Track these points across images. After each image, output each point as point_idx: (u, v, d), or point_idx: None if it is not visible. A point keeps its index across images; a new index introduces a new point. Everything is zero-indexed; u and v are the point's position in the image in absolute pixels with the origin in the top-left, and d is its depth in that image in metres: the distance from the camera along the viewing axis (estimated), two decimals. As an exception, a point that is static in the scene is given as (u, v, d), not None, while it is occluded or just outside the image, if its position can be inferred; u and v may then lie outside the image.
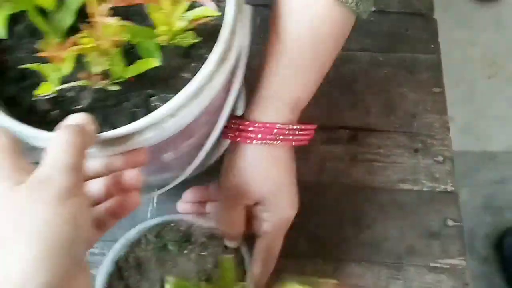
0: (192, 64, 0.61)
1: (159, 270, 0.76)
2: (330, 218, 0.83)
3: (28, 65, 0.55)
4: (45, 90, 0.55)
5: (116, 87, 0.55)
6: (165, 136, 0.55)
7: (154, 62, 0.56)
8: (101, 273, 0.73)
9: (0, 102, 0.58)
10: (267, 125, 0.62)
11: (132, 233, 0.75)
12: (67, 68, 0.54)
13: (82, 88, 0.57)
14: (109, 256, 0.73)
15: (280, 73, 0.63)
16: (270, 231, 0.67)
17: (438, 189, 0.84)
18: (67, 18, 0.59)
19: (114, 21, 0.47)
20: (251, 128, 0.63)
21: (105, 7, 0.48)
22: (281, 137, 0.62)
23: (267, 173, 0.64)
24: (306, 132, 0.66)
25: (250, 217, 0.69)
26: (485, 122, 2.04)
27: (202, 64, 0.60)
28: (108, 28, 0.49)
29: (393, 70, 0.95)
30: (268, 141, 0.62)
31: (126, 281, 0.75)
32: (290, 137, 0.63)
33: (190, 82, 0.55)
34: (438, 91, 0.93)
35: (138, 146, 0.54)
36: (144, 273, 0.77)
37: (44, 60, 0.60)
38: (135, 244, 0.75)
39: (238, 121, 0.65)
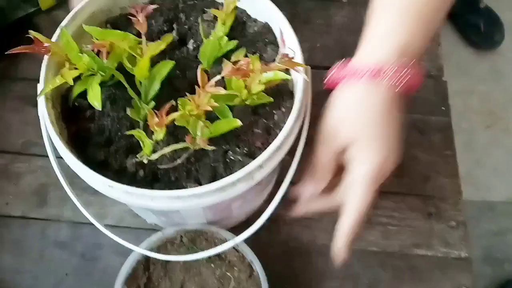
0: (263, 120, 0.76)
1: (183, 274, 0.86)
2: (344, 283, 0.88)
3: (132, 131, 0.68)
4: (146, 152, 0.68)
5: (213, 147, 0.69)
6: (252, 185, 0.66)
7: (236, 122, 0.70)
8: (131, 258, 0.82)
9: (93, 166, 0.70)
10: (372, 64, 0.64)
11: (170, 231, 0.84)
12: (162, 133, 0.67)
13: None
14: (143, 244, 0.81)
15: (388, 16, 0.67)
16: (361, 181, 0.63)
17: (452, 255, 0.91)
18: (155, 86, 0.73)
19: (222, 90, 0.61)
20: (356, 68, 0.65)
21: (217, 78, 0.61)
22: (386, 78, 0.62)
23: (366, 114, 0.64)
24: (411, 76, 0.64)
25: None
26: (484, 172, 2.12)
27: (272, 120, 0.76)
28: (213, 96, 0.62)
29: (405, 131, 1.09)
30: (372, 81, 0.63)
31: (150, 273, 0.86)
32: (396, 79, 0.63)
33: (277, 137, 0.68)
34: (449, 153, 1.00)
35: (232, 196, 0.67)
36: (169, 272, 0.87)
37: (131, 126, 0.74)
38: (169, 240, 0.84)
39: (343, 64, 0.68)
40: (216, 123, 0.70)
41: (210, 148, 0.67)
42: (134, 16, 0.67)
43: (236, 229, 0.81)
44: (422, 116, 1.05)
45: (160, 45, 0.68)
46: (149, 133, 0.73)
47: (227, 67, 0.57)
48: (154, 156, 0.65)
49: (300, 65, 0.64)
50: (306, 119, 0.75)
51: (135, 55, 0.68)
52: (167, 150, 0.66)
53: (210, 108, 0.64)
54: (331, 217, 0.70)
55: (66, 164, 0.69)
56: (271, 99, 0.73)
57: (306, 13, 1.19)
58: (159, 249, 0.85)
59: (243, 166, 0.72)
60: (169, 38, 0.70)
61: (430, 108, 1.06)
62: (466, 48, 2.50)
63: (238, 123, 0.70)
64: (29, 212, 0.97)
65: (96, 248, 0.92)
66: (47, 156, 0.73)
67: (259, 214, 0.74)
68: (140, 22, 0.66)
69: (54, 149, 0.70)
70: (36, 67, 0.72)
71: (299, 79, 0.72)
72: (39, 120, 0.73)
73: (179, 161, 0.70)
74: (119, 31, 0.74)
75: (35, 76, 0.71)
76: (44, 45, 0.59)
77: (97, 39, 0.72)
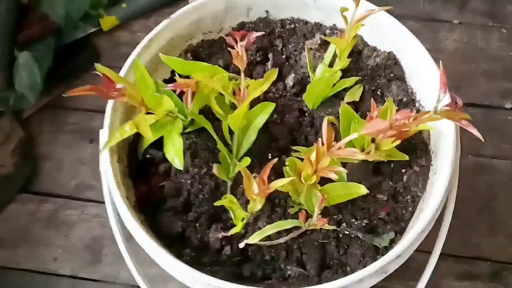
0: (389, 183, 0.58)
1: None
2: None
3: (221, 202, 0.51)
4: (237, 230, 0.51)
5: (334, 227, 0.51)
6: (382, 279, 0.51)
7: (360, 189, 0.52)
8: None
9: (166, 240, 0.54)
10: None
11: None
12: (261, 204, 0.50)
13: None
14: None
15: None
16: None
17: None
18: (250, 137, 0.56)
19: (357, 155, 0.44)
20: None
21: (351, 137, 0.44)
22: None
23: None
24: None
25: None
26: None
27: (400, 183, 0.58)
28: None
29: None
30: None
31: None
32: None
33: (423, 216, 0.51)
34: None
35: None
36: None
37: (216, 186, 0.57)
38: None
39: None
40: (332, 189, 0.53)
41: (330, 227, 0.49)
42: (230, 46, 0.51)
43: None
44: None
45: (262, 85, 0.51)
46: (238, 195, 0.57)
47: (375, 124, 0.39)
48: (252, 240, 0.48)
49: (466, 118, 0.45)
50: (455, 182, 0.56)
51: (230, 97, 0.51)
52: (269, 231, 0.48)
53: (334, 176, 0.46)
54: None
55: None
56: (406, 157, 0.55)
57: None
58: None
59: (362, 246, 0.55)
60: (273, 74, 0.53)
61: None
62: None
63: (363, 190, 0.52)
64: (80, 270, 0.85)
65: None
66: (104, 202, 0.59)
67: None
68: (239, 54, 0.49)
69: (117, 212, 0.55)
70: (95, 96, 0.57)
71: (449, 131, 0.54)
72: (95, 158, 0.59)
73: (281, 240, 0.52)
74: (205, 63, 0.58)
75: (93, 107, 0.58)
76: (116, 87, 0.44)
77: (178, 74, 0.56)
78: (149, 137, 0.45)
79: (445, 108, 0.45)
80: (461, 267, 0.81)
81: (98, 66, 0.48)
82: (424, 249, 0.56)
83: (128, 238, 0.57)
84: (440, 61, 0.47)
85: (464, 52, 1.00)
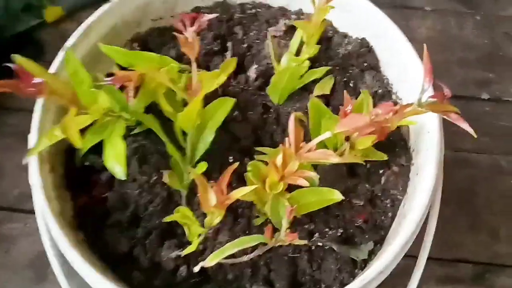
0: (365, 186, 0.51)
1: None
2: None
3: (172, 217, 0.43)
4: (193, 248, 0.43)
5: (305, 242, 0.45)
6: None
7: (334, 195, 0.45)
8: None
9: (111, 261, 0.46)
10: None
11: None
12: (220, 216, 0.43)
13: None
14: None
15: None
16: None
17: None
18: (206, 138, 0.49)
19: (331, 157, 0.36)
20: None
21: (323, 137, 0.37)
22: None
23: None
24: None
25: None
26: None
27: (378, 185, 0.51)
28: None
29: None
30: None
31: None
32: None
33: (406, 226, 0.44)
34: None
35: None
36: None
37: (168, 196, 0.50)
38: None
39: None
40: (302, 196, 0.45)
41: (301, 243, 0.42)
42: (179, 31, 0.43)
43: None
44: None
45: (217, 78, 0.43)
46: (195, 205, 0.49)
47: (352, 120, 0.32)
48: (209, 262, 0.40)
49: (454, 111, 0.39)
50: (439, 183, 0.50)
51: (180, 93, 0.43)
52: (229, 251, 0.41)
53: (304, 183, 0.39)
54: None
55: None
56: (385, 156, 0.48)
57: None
58: None
59: (337, 259, 0.48)
60: (231, 64, 0.45)
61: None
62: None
63: (338, 196, 0.45)
64: None
65: None
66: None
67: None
68: (189, 40, 0.41)
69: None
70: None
71: (432, 126, 0.47)
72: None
73: (245, 258, 0.45)
74: (152, 53, 0.50)
75: None
76: (35, 82, 0.35)
77: (120, 66, 0.48)
78: (79, 145, 0.37)
79: (431, 100, 0.38)
80: (443, 271, 0.75)
81: (15, 57, 0.39)
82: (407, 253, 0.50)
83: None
84: (424, 44, 0.40)
85: (437, 40, 0.95)
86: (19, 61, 0.39)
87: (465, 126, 0.39)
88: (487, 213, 0.80)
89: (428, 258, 0.60)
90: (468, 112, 0.90)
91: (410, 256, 0.54)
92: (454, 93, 0.87)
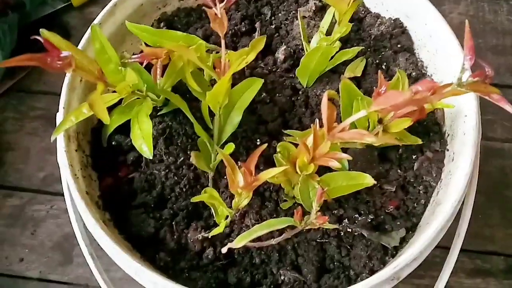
0: (397, 171, 0.50)
1: None
2: None
3: (200, 197, 0.42)
4: (220, 230, 0.43)
5: (335, 226, 0.43)
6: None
7: (366, 179, 0.44)
8: None
9: (137, 242, 0.46)
10: None
11: None
12: (247, 199, 0.41)
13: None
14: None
15: None
16: None
17: None
18: (234, 119, 0.47)
19: (367, 137, 0.35)
20: None
21: (360, 115, 0.35)
22: None
23: None
24: None
25: None
26: None
27: (410, 171, 0.49)
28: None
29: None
30: None
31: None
32: None
33: (440, 214, 0.42)
34: None
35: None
36: None
37: (195, 177, 0.49)
38: None
39: None
40: (332, 180, 0.44)
41: (331, 227, 0.41)
42: (208, 6, 0.41)
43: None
44: None
45: (247, 55, 0.42)
46: (222, 188, 0.48)
47: (390, 97, 0.31)
48: (236, 244, 0.39)
49: (496, 92, 0.36)
50: (476, 170, 0.48)
51: (208, 71, 0.42)
52: (257, 233, 0.40)
53: (336, 164, 0.38)
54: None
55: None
56: (419, 140, 0.46)
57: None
58: None
59: (368, 245, 0.47)
60: (260, 42, 0.43)
61: None
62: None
63: (370, 180, 0.43)
64: (49, 272, 0.76)
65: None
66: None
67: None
68: (219, 17, 0.40)
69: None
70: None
71: (470, 110, 0.45)
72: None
73: (273, 242, 0.43)
74: (179, 32, 0.49)
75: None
76: (62, 55, 0.34)
77: (147, 44, 0.47)
78: (106, 120, 0.36)
79: (472, 79, 0.36)
80: (473, 263, 0.73)
81: (42, 31, 0.39)
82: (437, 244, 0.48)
83: (94, 239, 0.48)
84: (466, 20, 0.38)
85: (470, 26, 0.92)
86: (47, 35, 0.38)
87: (508, 107, 0.36)
88: (519, 205, 0.78)
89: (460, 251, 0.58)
90: (502, 100, 0.87)
91: (440, 247, 0.52)
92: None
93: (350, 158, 0.38)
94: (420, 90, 0.31)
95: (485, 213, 0.76)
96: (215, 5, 0.41)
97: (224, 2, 0.41)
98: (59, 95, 0.50)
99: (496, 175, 0.80)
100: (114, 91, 0.44)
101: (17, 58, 0.34)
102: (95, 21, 0.50)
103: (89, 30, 0.49)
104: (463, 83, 0.36)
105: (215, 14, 0.40)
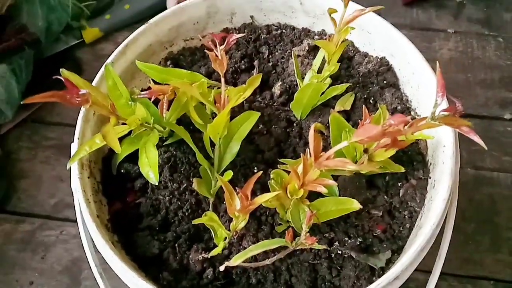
0: (383, 197, 0.53)
1: None
2: None
3: (200, 220, 0.46)
4: (219, 250, 0.46)
5: (324, 247, 0.47)
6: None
7: (353, 204, 0.48)
8: None
9: (142, 262, 0.50)
10: None
11: None
12: (244, 221, 0.45)
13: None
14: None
15: None
16: None
17: None
18: (233, 149, 0.52)
19: (349, 165, 0.39)
20: None
21: (341, 145, 0.39)
22: None
23: None
24: None
25: None
26: None
27: (396, 198, 0.53)
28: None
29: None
30: None
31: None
32: None
33: (420, 235, 0.46)
34: None
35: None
36: None
37: (196, 203, 0.53)
38: None
39: None
40: (322, 205, 0.48)
41: (320, 247, 0.44)
42: (209, 49, 0.46)
43: None
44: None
45: (244, 92, 0.47)
46: (221, 212, 0.52)
47: (366, 130, 0.35)
48: (234, 261, 0.43)
49: (467, 124, 0.41)
50: (455, 196, 0.51)
51: (209, 105, 0.47)
52: (253, 252, 0.43)
53: (323, 190, 0.42)
54: None
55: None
56: (402, 168, 0.50)
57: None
58: None
59: (356, 266, 0.50)
60: (256, 80, 0.48)
61: None
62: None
63: (356, 205, 0.47)
64: None
65: None
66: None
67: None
68: (219, 58, 0.45)
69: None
70: (77, 110, 0.54)
71: (447, 140, 0.49)
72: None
73: (267, 262, 0.47)
74: (183, 70, 0.54)
75: (74, 121, 0.53)
76: (80, 92, 0.39)
77: (154, 81, 0.52)
78: (117, 149, 0.41)
79: (444, 113, 0.40)
80: (463, 287, 0.76)
81: (63, 71, 0.44)
82: (423, 269, 0.51)
83: (104, 260, 0.52)
84: (437, 62, 0.42)
85: (459, 61, 0.97)
86: (66, 74, 0.43)
87: (476, 138, 0.41)
88: (508, 231, 0.80)
89: (449, 275, 0.60)
90: (491, 131, 0.91)
91: (427, 272, 0.55)
92: (477, 113, 0.90)
93: (335, 184, 0.42)
94: (392, 123, 0.35)
95: (475, 239, 0.79)
96: (216, 47, 0.46)
97: (224, 44, 0.46)
98: (70, 126, 0.54)
99: (486, 203, 0.83)
100: (124, 123, 0.48)
101: (41, 95, 0.39)
102: (108, 61, 0.55)
103: (102, 68, 0.54)
104: (435, 117, 0.41)
105: (216, 55, 0.45)
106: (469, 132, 0.41)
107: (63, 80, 0.40)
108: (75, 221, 0.82)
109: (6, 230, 0.83)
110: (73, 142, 0.53)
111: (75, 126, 0.53)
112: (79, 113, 0.54)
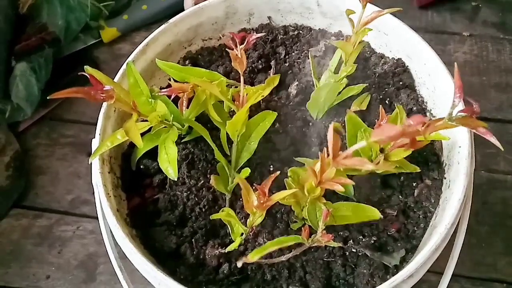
0: (398, 197, 0.54)
1: None
2: None
3: (218, 215, 0.47)
4: (235, 245, 0.47)
5: (339, 244, 0.48)
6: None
7: (374, 213, 0.48)
8: None
9: (159, 257, 0.51)
10: None
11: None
12: (261, 217, 0.46)
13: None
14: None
15: None
16: None
17: None
18: (250, 147, 0.53)
19: (366, 164, 0.39)
20: None
21: (358, 145, 0.40)
22: None
23: None
24: None
25: None
26: None
27: (411, 197, 0.54)
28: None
29: None
30: None
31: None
32: None
33: (435, 234, 0.47)
34: None
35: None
36: None
37: (213, 199, 0.54)
38: None
39: None
40: (341, 208, 0.49)
41: (335, 245, 0.45)
42: (229, 47, 0.47)
43: None
44: None
45: (263, 91, 0.48)
46: (238, 209, 0.53)
47: (385, 130, 0.36)
48: (251, 258, 0.44)
49: (483, 125, 0.41)
50: (469, 197, 0.52)
51: (228, 103, 0.48)
52: (269, 248, 0.44)
53: (340, 188, 0.42)
54: None
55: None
56: (417, 168, 0.51)
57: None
58: None
59: (370, 264, 0.51)
60: (275, 79, 0.49)
61: None
62: None
63: (377, 214, 0.48)
64: None
65: None
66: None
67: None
68: (239, 57, 0.46)
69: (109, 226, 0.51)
70: (94, 108, 0.54)
71: (463, 141, 0.50)
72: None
73: (283, 258, 0.48)
74: (202, 69, 0.55)
75: (91, 119, 0.54)
76: (105, 88, 0.40)
77: (174, 80, 0.53)
78: (139, 144, 0.42)
79: (460, 114, 0.41)
80: (475, 290, 0.76)
81: (87, 68, 0.45)
82: (436, 270, 0.52)
83: (122, 255, 0.53)
84: (455, 63, 0.43)
85: (474, 64, 0.97)
86: (90, 71, 0.44)
87: (493, 139, 0.41)
88: (521, 235, 0.81)
89: (461, 276, 0.60)
90: (505, 135, 0.91)
91: (439, 273, 0.55)
92: (491, 116, 0.90)
93: (352, 183, 0.42)
94: (411, 124, 0.36)
95: (488, 242, 0.79)
96: (236, 46, 0.47)
97: (244, 44, 0.47)
98: (88, 124, 0.56)
99: (499, 206, 0.83)
100: (144, 120, 0.49)
101: (66, 90, 0.40)
102: (129, 58, 0.57)
103: (124, 66, 0.56)
104: (453, 117, 0.41)
105: (236, 54, 0.46)
106: (486, 133, 0.41)
107: (88, 77, 0.41)
108: (92, 217, 0.84)
109: (24, 225, 0.84)
110: (94, 138, 0.54)
111: (92, 124, 0.55)
112: (96, 111, 0.55)
